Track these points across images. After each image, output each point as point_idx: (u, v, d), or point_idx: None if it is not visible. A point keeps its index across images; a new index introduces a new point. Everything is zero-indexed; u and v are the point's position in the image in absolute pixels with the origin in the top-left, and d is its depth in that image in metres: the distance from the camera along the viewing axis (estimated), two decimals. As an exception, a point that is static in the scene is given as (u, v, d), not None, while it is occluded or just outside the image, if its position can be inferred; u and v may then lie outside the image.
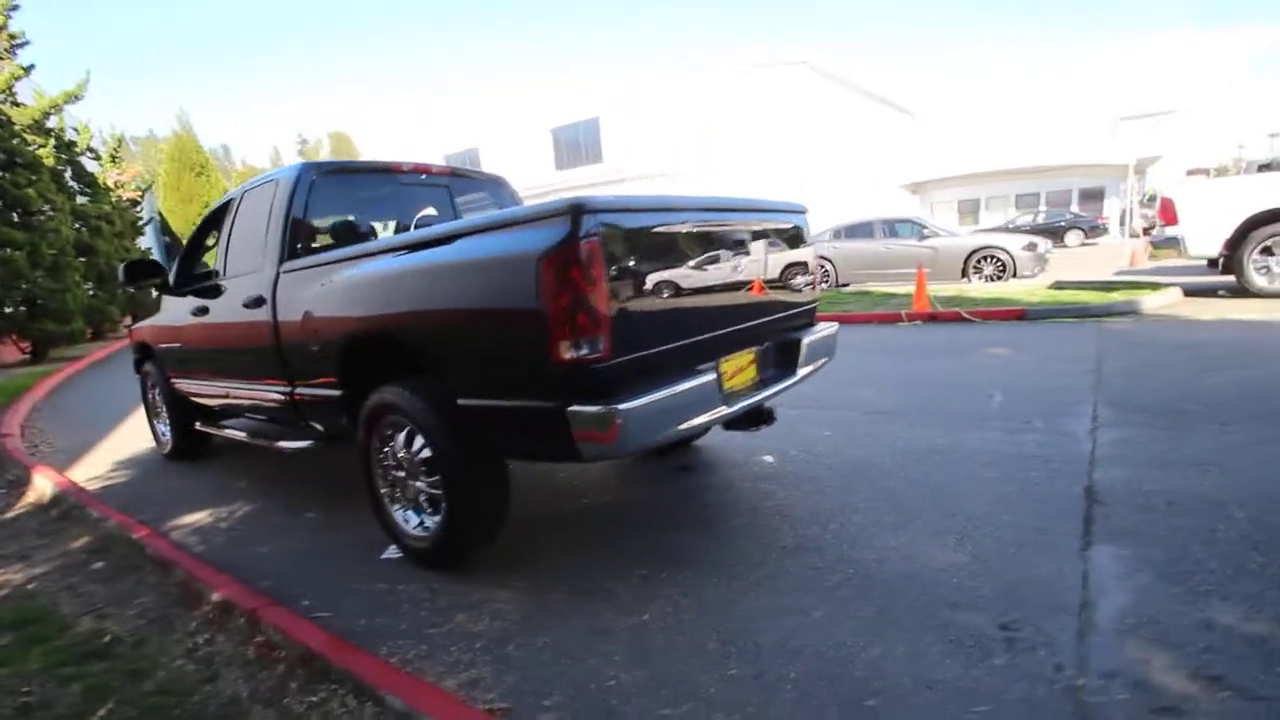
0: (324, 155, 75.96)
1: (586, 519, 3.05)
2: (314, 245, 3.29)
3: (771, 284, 2.87)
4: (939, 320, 7.51)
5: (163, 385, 4.54)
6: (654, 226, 2.22)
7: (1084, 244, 20.77)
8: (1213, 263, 9.00)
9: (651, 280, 2.19)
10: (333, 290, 2.76)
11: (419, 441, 2.56)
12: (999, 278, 10.44)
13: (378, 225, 3.74)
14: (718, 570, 2.42)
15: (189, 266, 4.34)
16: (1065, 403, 4.12)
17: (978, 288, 9.85)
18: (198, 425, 4.41)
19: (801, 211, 3.17)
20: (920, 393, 4.74)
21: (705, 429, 2.34)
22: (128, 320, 16.48)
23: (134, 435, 5.66)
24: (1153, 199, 22.10)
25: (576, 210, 1.93)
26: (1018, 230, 18.75)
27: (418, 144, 27.24)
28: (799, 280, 3.10)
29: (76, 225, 12.50)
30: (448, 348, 2.32)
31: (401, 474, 2.70)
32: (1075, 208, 23.06)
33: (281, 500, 3.67)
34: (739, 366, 2.64)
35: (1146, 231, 18.16)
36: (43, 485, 4.15)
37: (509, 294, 2.05)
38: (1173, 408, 3.80)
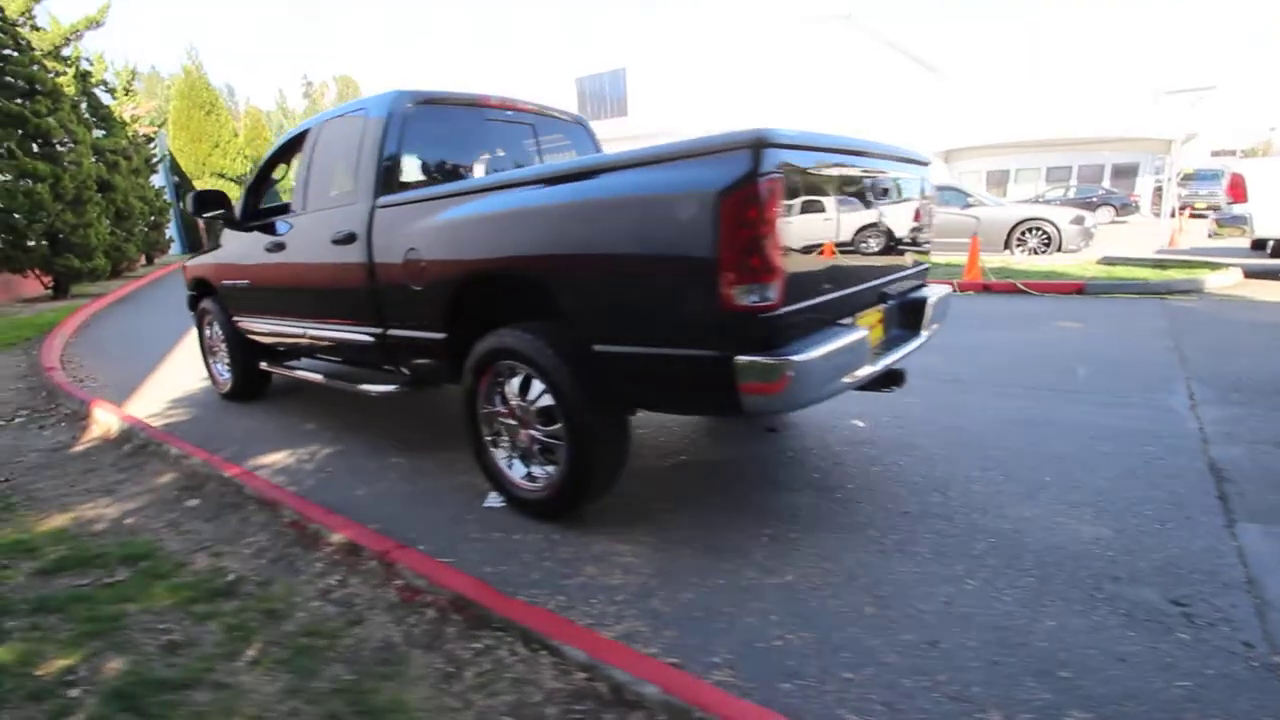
0: (330, 100, 74.08)
1: (691, 475, 2.97)
2: (408, 179, 3.14)
3: (901, 239, 2.73)
4: (992, 291, 7.35)
5: (225, 323, 4.42)
6: (823, 167, 2.07)
7: (1114, 221, 20.39)
8: (1258, 245, 8.81)
9: (816, 226, 2.06)
10: (445, 227, 2.62)
11: (536, 388, 2.46)
12: (1043, 250, 10.23)
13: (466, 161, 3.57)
14: (851, 534, 2.36)
15: (254, 201, 4.17)
16: (1155, 378, 4.02)
17: (1023, 260, 9.64)
18: (264, 365, 4.31)
19: (927, 164, 3.01)
20: (995, 363, 4.62)
21: (850, 387, 2.23)
22: (141, 260, 16.33)
23: (179, 372, 5.59)
24: (1188, 178, 21.62)
25: (759, 143, 1.78)
26: (1048, 204, 18.38)
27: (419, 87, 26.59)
28: (922, 237, 2.96)
29: (94, 159, 12.17)
30: (588, 291, 2.19)
31: (512, 422, 2.61)
32: (1107, 183, 22.58)
33: (361, 443, 3.59)
34: (870, 324, 2.52)
35: (1183, 210, 17.79)
36: (106, 419, 4.08)
37: (674, 234, 1.91)
38: (1271, 387, 3.70)
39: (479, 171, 3.48)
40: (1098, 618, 1.83)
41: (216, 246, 4.57)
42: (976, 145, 25.10)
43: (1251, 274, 7.27)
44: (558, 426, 2.42)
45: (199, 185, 24.15)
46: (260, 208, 4.27)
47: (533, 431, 2.53)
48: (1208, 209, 21.80)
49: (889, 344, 2.66)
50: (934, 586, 2.01)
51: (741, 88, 18.50)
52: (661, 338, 2.04)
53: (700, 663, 1.70)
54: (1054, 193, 21.91)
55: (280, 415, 4.26)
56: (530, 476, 2.64)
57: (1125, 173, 23.00)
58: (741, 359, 1.86)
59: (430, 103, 3.26)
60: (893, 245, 2.66)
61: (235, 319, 4.33)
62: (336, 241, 3.16)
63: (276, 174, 4.16)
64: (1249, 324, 5.31)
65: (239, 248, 4.13)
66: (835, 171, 2.16)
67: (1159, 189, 24.39)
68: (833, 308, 2.22)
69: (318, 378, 3.78)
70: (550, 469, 2.54)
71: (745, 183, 1.77)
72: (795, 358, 1.85)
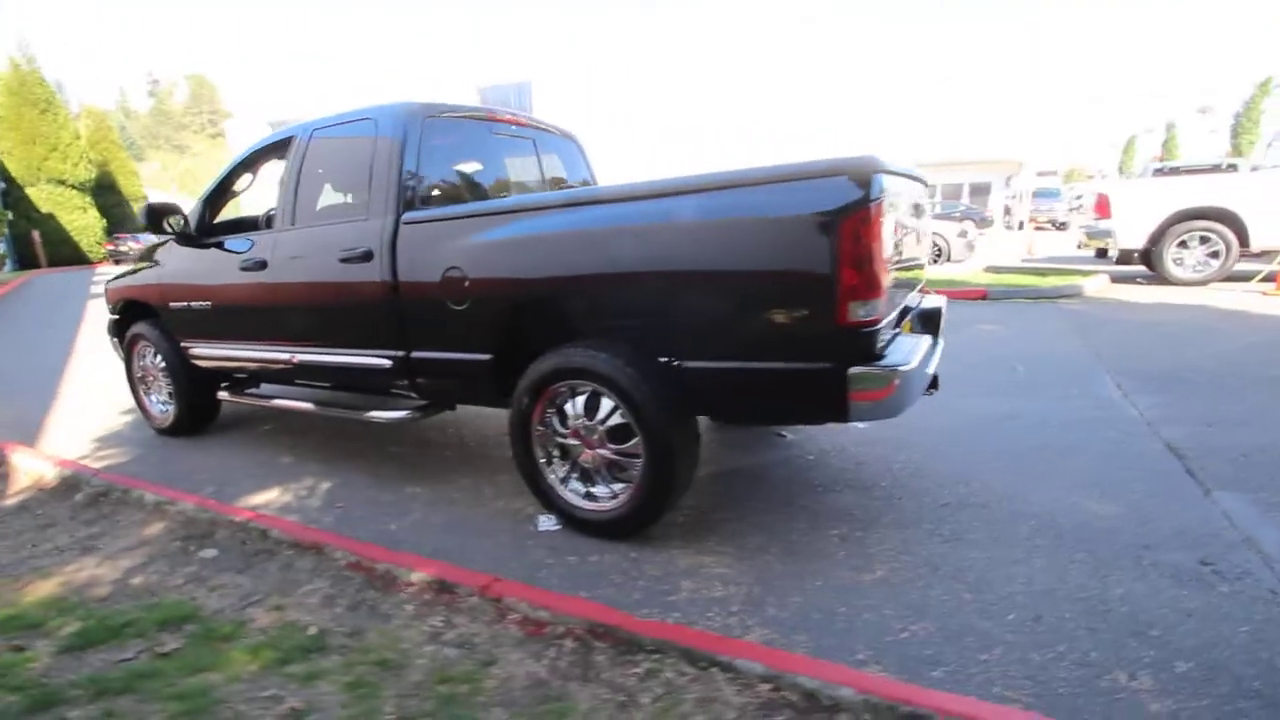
0: (180, 101, 67.21)
1: (730, 484, 3.05)
2: (428, 195, 3.00)
3: (920, 253, 2.99)
4: (910, 298, 8.06)
5: (169, 350, 3.95)
6: (897, 189, 2.24)
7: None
8: (1101, 253, 10.28)
9: (890, 245, 2.22)
10: (506, 245, 2.54)
11: (606, 406, 2.45)
12: (935, 261, 11.32)
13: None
14: (909, 528, 2.54)
15: (211, 214, 3.78)
16: (1082, 373, 4.61)
17: (921, 270, 10.64)
18: (224, 395, 3.89)
19: (928, 184, 3.30)
20: (948, 368, 5.08)
21: (922, 392, 2.41)
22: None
23: (86, 406, 4.92)
24: (1034, 195, 24.74)
25: (873, 169, 1.92)
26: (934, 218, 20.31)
27: (314, 97, 24.90)
28: (927, 250, 3.25)
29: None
30: (682, 308, 2.22)
31: (573, 442, 2.57)
32: (965, 200, 25.36)
33: (361, 474, 3.36)
34: (907, 332, 2.74)
35: (1036, 224, 20.29)
36: (33, 466, 3.51)
37: (789, 253, 2.00)
38: (1177, 377, 4.37)
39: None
40: (1152, 581, 2.11)
41: (150, 264, 4.08)
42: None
43: (1115, 279, 8.50)
44: (632, 443, 2.42)
45: (33, 193, 21.09)
46: (219, 223, 3.88)
47: (601, 451, 2.51)
48: (1048, 222, 25.13)
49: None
50: (1008, 569, 2.22)
51: (648, 102, 18.97)
52: (768, 353, 2.12)
53: (847, 662, 1.78)
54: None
55: (242, 449, 3.88)
56: (590, 496, 2.61)
57: (980, 190, 25.97)
58: (855, 370, 1.98)
59: (444, 115, 3.14)
60: (916, 258, 2.90)
61: (186, 345, 3.88)
62: (347, 260, 2.96)
63: (239, 185, 3.79)
64: (1134, 323, 6.22)
65: (194, 266, 3.73)
66: (901, 192, 2.35)
67: (1007, 206, 27.79)
68: (896, 319, 2.40)
69: (304, 406, 3.47)
70: (617, 486, 2.53)
71: (860, 205, 1.90)
72: (902, 367, 2.00)
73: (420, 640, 1.92)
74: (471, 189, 3.28)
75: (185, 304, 3.78)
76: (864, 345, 2.01)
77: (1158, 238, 7.61)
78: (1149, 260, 8.03)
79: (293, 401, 3.56)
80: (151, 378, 4.25)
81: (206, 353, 3.80)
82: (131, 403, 4.55)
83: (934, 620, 1.96)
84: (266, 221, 3.78)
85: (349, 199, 3.21)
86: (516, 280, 2.54)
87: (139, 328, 4.16)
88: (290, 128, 3.47)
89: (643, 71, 19.24)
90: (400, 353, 2.96)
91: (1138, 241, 7.76)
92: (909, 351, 2.16)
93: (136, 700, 1.67)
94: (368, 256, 2.90)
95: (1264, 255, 7.40)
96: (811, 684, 1.57)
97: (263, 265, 3.32)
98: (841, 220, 1.90)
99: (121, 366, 4.42)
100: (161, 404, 4.25)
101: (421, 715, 1.61)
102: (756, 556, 2.38)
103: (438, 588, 2.11)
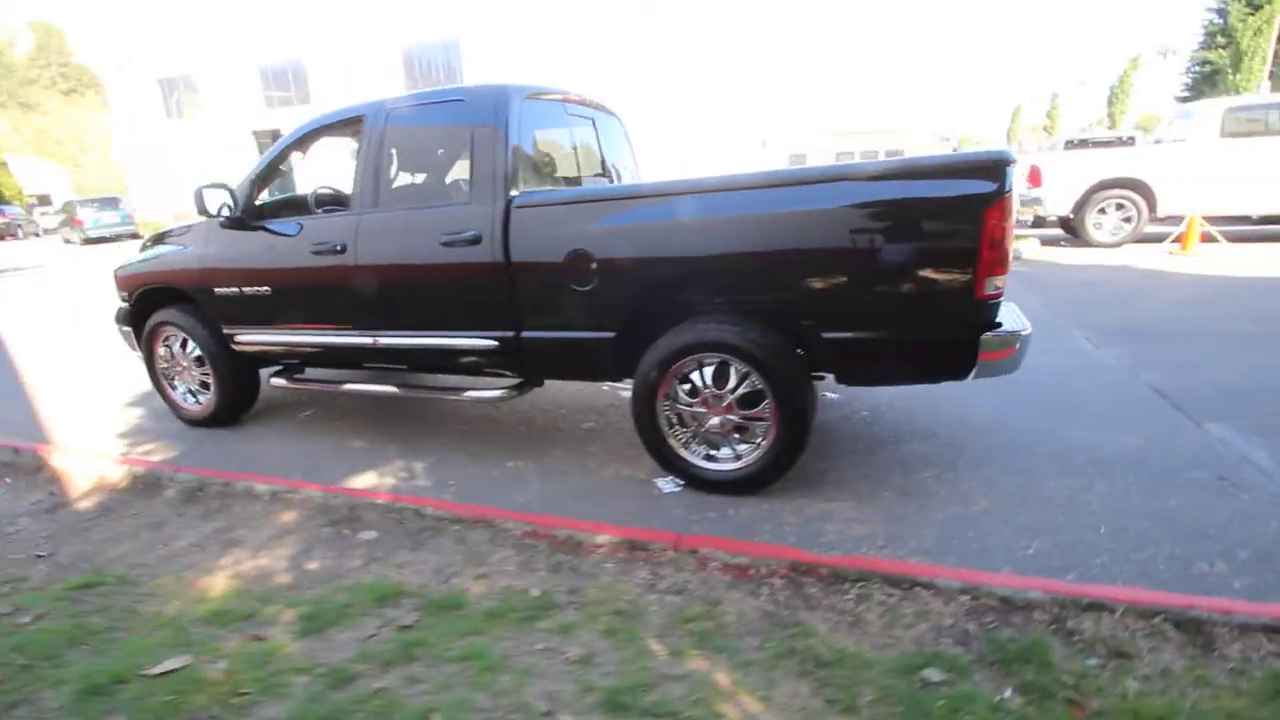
0: (23, 53, 58.56)
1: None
2: (529, 176, 3.07)
3: None
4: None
5: (207, 338, 3.80)
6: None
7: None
8: (1039, 221, 11.37)
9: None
10: (639, 229, 2.70)
11: (734, 376, 2.71)
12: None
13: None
14: (983, 466, 2.98)
15: (256, 195, 3.64)
16: (1053, 329, 5.27)
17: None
18: (280, 381, 3.80)
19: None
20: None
21: None
22: None
23: (71, 399, 4.59)
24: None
25: (1004, 162, 2.25)
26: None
27: (205, 48, 22.56)
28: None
29: None
30: (829, 285, 2.49)
31: (701, 409, 2.81)
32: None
33: (452, 453, 3.46)
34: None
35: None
36: (89, 467, 3.35)
37: (938, 236, 2.31)
38: (1132, 330, 5.10)
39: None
40: (1192, 495, 2.64)
41: (177, 246, 3.88)
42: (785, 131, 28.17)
43: (1044, 242, 9.49)
44: (760, 408, 2.69)
45: None
46: (268, 204, 3.74)
47: (729, 416, 2.77)
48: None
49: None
50: (1082, 494, 2.69)
51: (583, 63, 18.57)
52: (910, 323, 2.44)
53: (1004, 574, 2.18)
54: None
55: (299, 436, 3.85)
56: (710, 458, 2.88)
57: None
58: (988, 335, 2.34)
59: (534, 97, 3.20)
60: None
61: (231, 332, 3.75)
62: (451, 243, 3.01)
63: (286, 165, 3.66)
64: (1078, 282, 7.06)
65: (246, 250, 3.60)
66: None
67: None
68: None
69: (386, 389, 3.49)
70: (742, 448, 2.81)
71: (1000, 195, 2.24)
72: (1023, 331, 2.38)
73: (638, 591, 2.15)
74: (557, 169, 3.36)
75: (235, 289, 3.64)
76: (990, 315, 2.37)
77: (1081, 205, 8.58)
78: (1070, 225, 9.04)
79: (371, 385, 3.56)
80: (180, 368, 4.06)
81: (259, 339, 3.70)
82: (130, 393, 4.33)
83: (1046, 538, 2.39)
84: (319, 202, 3.68)
85: (445, 181, 3.22)
86: (652, 261, 2.72)
87: (165, 315, 3.95)
88: (355, 106, 3.40)
89: (579, 30, 18.76)
90: (509, 333, 3.06)
91: (1064, 208, 8.71)
92: (1014, 317, 2.54)
93: (425, 666, 1.81)
94: (476, 240, 2.96)
95: (1168, 219, 8.51)
96: (1004, 591, 1.95)
97: (341, 249, 3.28)
98: (985, 208, 2.23)
99: (94, 356, 4.19)
100: (191, 395, 4.09)
101: (683, 650, 1.86)
102: (874, 500, 2.74)
103: (629, 546, 2.33)
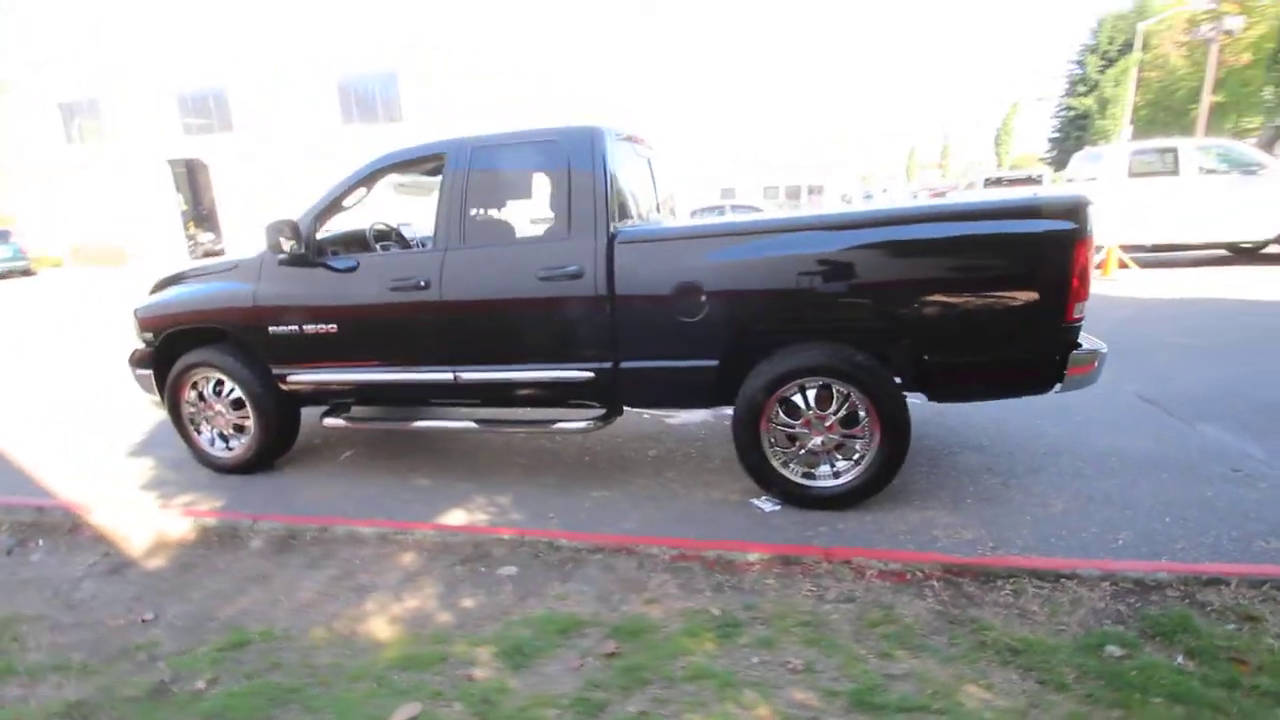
0: None
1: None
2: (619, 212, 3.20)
3: None
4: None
5: (251, 378, 3.63)
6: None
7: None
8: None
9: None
10: (752, 262, 2.88)
11: (837, 398, 2.92)
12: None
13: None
14: (1043, 472, 3.32)
15: (316, 231, 3.54)
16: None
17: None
18: (336, 421, 3.65)
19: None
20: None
21: None
22: None
23: (52, 448, 4.21)
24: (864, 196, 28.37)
25: (1086, 204, 2.61)
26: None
27: (115, 71, 20.98)
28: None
29: None
30: (933, 311, 2.75)
31: (803, 430, 3.00)
32: (805, 198, 28.52)
33: (529, 485, 3.48)
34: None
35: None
36: (146, 524, 3.10)
37: (1035, 269, 2.64)
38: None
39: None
40: (1219, 487, 3.06)
41: (217, 282, 3.70)
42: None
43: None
44: (860, 426, 2.92)
45: None
46: (329, 241, 3.64)
47: (832, 435, 2.97)
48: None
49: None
50: (1133, 491, 3.06)
51: (516, 99, 18.76)
52: (1008, 345, 2.75)
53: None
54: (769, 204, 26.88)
55: (352, 477, 3.75)
56: (808, 476, 3.06)
57: (815, 191, 29.43)
58: (1076, 352, 2.68)
59: (619, 139, 3.34)
60: None
61: (283, 371, 3.60)
62: (550, 278, 3.08)
63: (349, 201, 3.59)
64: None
65: (309, 287, 3.50)
66: None
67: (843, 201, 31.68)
68: None
69: (463, 425, 3.46)
70: (841, 465, 3.01)
71: (1085, 231, 2.60)
72: (1102, 350, 2.74)
73: (811, 603, 2.28)
74: (632, 204, 3.50)
75: (293, 328, 3.51)
76: (1075, 336, 2.71)
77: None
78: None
79: (448, 421, 3.51)
80: (213, 412, 3.83)
81: (318, 378, 3.58)
82: (130, 440, 4.01)
83: (1126, 530, 2.73)
84: (377, 238, 3.63)
85: (539, 218, 3.29)
86: (762, 293, 2.90)
87: (200, 356, 3.73)
88: (432, 144, 3.42)
89: (512, 67, 18.95)
90: (606, 364, 3.14)
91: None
92: (1089, 339, 2.90)
93: (662, 688, 1.86)
94: (578, 274, 3.05)
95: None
96: (1136, 574, 2.23)
97: (425, 285, 3.26)
98: (1076, 242, 2.58)
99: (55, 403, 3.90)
100: (222, 440, 3.86)
101: (888, 652, 2.01)
102: (961, 507, 3.01)
103: (782, 562, 2.46)
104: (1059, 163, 35.53)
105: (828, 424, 2.96)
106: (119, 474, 3.95)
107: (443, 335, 3.33)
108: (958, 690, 1.82)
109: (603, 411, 3.34)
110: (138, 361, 3.98)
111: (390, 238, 4.12)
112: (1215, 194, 8.52)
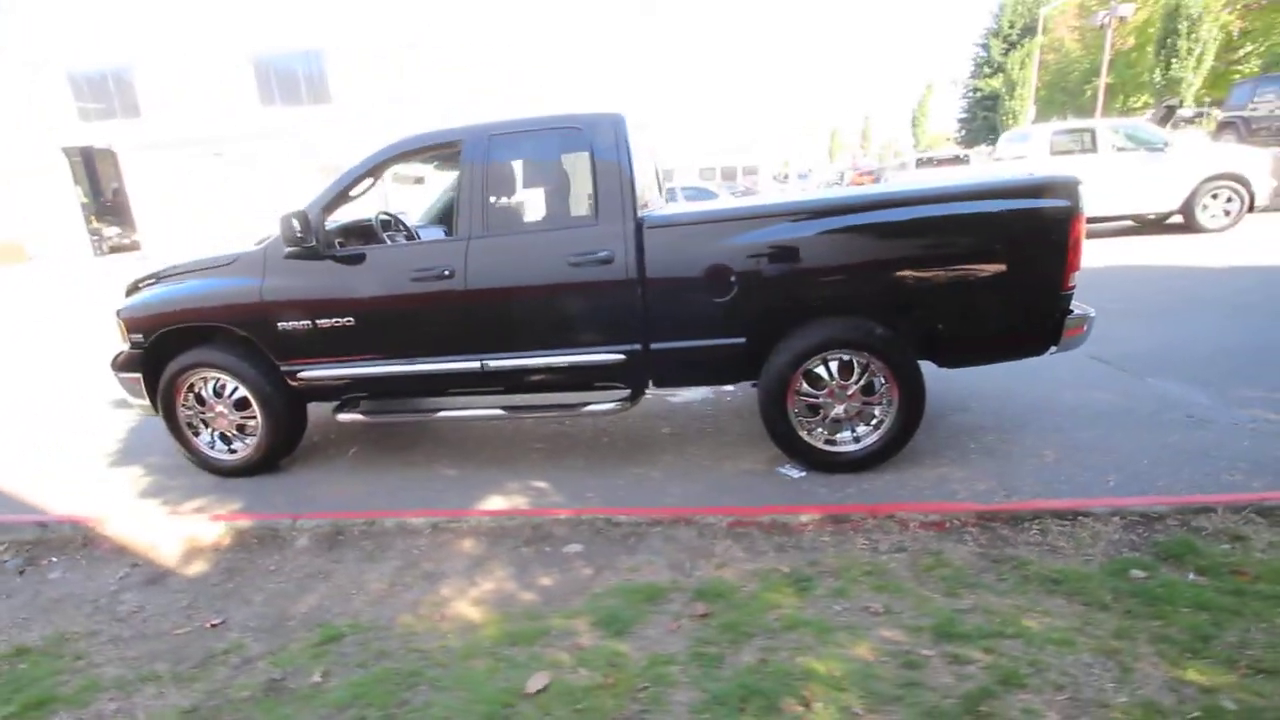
0: None
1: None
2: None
3: None
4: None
5: (258, 377, 3.52)
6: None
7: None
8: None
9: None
10: (779, 242, 3.03)
11: (857, 368, 3.14)
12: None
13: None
14: (1027, 427, 3.67)
15: (324, 222, 3.44)
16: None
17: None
18: (354, 416, 3.59)
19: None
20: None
21: None
22: None
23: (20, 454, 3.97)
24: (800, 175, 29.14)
25: (1078, 183, 2.90)
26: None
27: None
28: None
29: None
30: (953, 288, 2.98)
31: (826, 400, 3.20)
32: (740, 179, 29.07)
33: (563, 469, 3.56)
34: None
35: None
36: (180, 530, 2.98)
37: (1037, 243, 2.91)
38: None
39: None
40: (1181, 431, 3.47)
41: (201, 280, 3.55)
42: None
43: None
44: (879, 394, 3.15)
45: None
46: (336, 231, 3.54)
47: (853, 404, 3.19)
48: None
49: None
50: (1109, 440, 3.44)
51: (457, 77, 18.14)
52: (1014, 313, 3.02)
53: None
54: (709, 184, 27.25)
55: (367, 474, 3.74)
56: (830, 442, 3.28)
57: (750, 171, 30.06)
58: (1071, 315, 2.99)
59: (633, 123, 3.41)
60: None
61: (294, 368, 3.51)
62: (580, 264, 3.14)
63: (357, 191, 3.50)
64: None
65: (320, 279, 3.41)
66: None
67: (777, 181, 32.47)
68: None
69: (489, 413, 3.49)
70: (861, 430, 3.24)
71: (1078, 208, 2.89)
72: (1091, 314, 3.06)
73: (868, 555, 2.50)
74: (647, 186, 3.59)
75: (305, 322, 3.42)
76: (1068, 303, 3.02)
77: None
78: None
79: (474, 410, 3.52)
80: (213, 414, 3.68)
81: (331, 374, 3.51)
82: (109, 448, 3.84)
83: (1115, 473, 3.07)
84: (386, 225, 3.55)
85: (564, 204, 3.31)
86: (789, 271, 3.07)
87: (199, 355, 3.58)
88: (446, 131, 3.38)
89: (450, 43, 18.26)
90: (637, 346, 3.25)
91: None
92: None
93: (768, 639, 2.02)
94: (608, 259, 3.12)
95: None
96: (1139, 509, 2.56)
97: (449, 274, 3.25)
98: (1072, 219, 2.87)
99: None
100: (223, 442, 3.73)
101: (951, 591, 2.24)
102: (968, 461, 3.30)
103: (832, 520, 2.66)
104: (968, 142, 37.68)
105: (850, 393, 3.18)
106: (110, 484, 3.74)
107: (469, 324, 3.33)
108: (1020, 618, 2.07)
109: (629, 392, 3.44)
110: (123, 365, 3.76)
111: (394, 227, 4.04)
112: (1128, 170, 9.33)
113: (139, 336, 3.66)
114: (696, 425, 4.08)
